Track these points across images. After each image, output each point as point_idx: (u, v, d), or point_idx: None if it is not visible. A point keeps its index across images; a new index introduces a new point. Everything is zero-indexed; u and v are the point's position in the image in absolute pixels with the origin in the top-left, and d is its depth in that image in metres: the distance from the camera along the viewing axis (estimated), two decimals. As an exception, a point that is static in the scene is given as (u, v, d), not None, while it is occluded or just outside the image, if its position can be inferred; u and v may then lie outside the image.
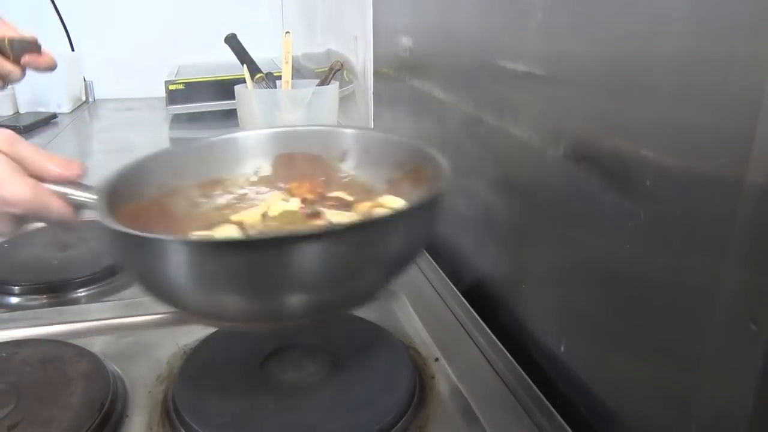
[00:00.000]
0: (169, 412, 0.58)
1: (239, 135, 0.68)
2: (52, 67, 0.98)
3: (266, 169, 0.67)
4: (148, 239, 0.46)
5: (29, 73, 1.87)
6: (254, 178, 0.67)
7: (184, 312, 0.55)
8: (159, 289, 0.50)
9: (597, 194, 0.52)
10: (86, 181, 0.56)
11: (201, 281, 0.47)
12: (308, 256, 0.44)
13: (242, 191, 0.66)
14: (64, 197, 0.55)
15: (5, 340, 0.71)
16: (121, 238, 0.47)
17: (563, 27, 0.57)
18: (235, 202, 0.65)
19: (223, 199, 0.65)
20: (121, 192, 0.56)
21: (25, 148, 0.55)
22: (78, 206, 0.56)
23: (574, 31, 0.55)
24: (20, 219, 0.56)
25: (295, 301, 0.47)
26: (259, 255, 0.44)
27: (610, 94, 0.50)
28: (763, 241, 0.35)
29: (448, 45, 0.85)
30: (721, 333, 0.39)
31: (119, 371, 0.65)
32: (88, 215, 0.55)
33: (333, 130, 0.69)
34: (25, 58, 0.94)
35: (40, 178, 0.55)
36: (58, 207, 0.55)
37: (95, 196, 0.54)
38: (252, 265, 0.45)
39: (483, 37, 0.74)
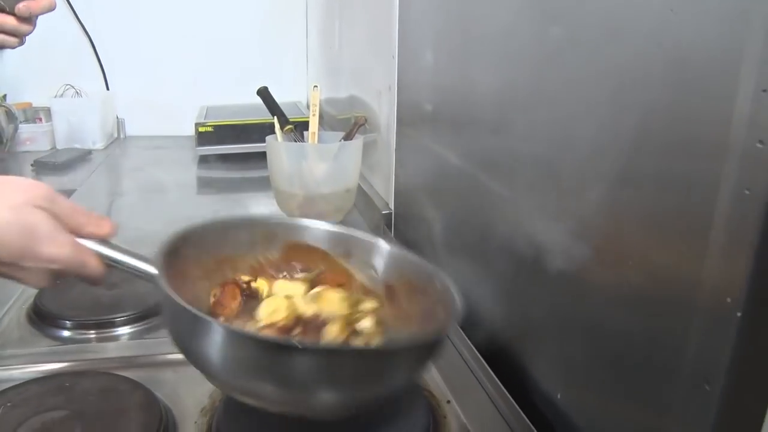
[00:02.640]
0: (216, 436, 0.67)
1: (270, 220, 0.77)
2: (51, 8, 0.95)
3: (273, 253, 0.73)
4: (199, 318, 0.53)
5: (67, 109, 1.97)
6: (263, 259, 0.73)
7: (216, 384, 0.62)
8: (199, 363, 0.56)
9: (589, 268, 0.61)
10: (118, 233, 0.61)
11: (233, 368, 0.54)
12: (335, 368, 0.52)
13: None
14: (100, 256, 0.59)
15: (63, 370, 0.79)
16: (178, 311, 0.54)
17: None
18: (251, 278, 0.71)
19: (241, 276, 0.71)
20: (165, 264, 0.60)
21: (63, 203, 0.57)
22: (111, 266, 0.60)
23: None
24: (58, 274, 0.58)
25: (316, 401, 0.54)
26: (293, 359, 0.51)
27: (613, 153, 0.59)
28: (712, 329, 0.44)
29: (465, 112, 0.93)
30: (684, 390, 0.47)
31: (168, 403, 0.73)
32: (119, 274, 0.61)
33: (367, 240, 0.73)
34: (20, 6, 0.91)
35: (75, 233, 0.57)
36: (95, 265, 0.58)
37: (139, 263, 0.59)
38: (282, 365, 0.51)
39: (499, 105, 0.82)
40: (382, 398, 0.59)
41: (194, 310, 0.52)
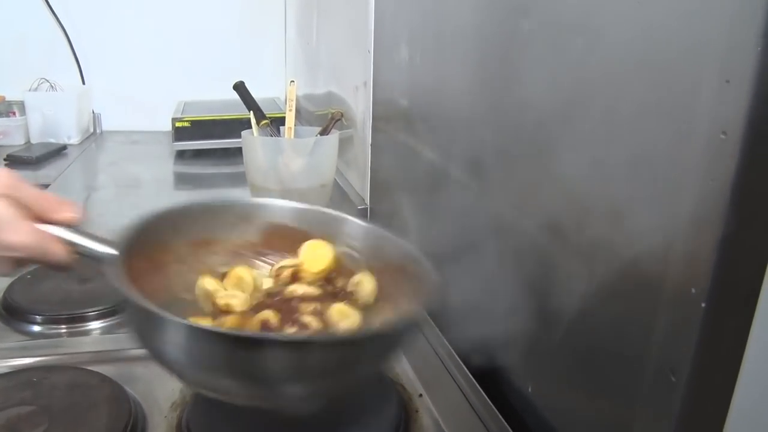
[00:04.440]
0: (185, 433, 0.66)
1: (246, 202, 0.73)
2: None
3: (253, 236, 0.70)
4: (153, 314, 0.48)
5: (42, 104, 1.95)
6: (239, 242, 0.69)
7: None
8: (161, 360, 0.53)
9: (559, 261, 0.61)
10: (89, 222, 0.57)
11: (191, 363, 0.51)
12: (288, 360, 0.49)
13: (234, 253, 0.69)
14: (65, 243, 0.56)
15: (32, 365, 0.78)
16: (133, 307, 0.51)
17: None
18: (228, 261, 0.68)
19: (216, 259, 0.67)
20: (126, 248, 0.57)
21: (27, 190, 0.55)
22: (78, 253, 0.57)
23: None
24: (20, 262, 0.56)
25: (284, 394, 0.52)
26: (247, 351, 0.48)
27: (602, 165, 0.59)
28: (678, 320, 0.44)
29: (439, 107, 0.93)
30: (650, 381, 0.47)
31: (138, 398, 0.72)
32: (88, 262, 0.56)
33: (339, 217, 0.70)
34: None
35: (42, 220, 0.55)
36: (58, 253, 0.56)
37: (99, 247, 0.56)
38: (246, 358, 0.48)
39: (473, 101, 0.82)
40: (353, 387, 0.58)
41: (145, 303, 0.49)
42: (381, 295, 0.64)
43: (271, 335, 0.56)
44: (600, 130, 0.53)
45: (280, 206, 0.70)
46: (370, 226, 0.68)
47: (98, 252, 0.56)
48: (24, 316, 0.91)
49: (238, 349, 0.48)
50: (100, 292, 0.95)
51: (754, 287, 0.39)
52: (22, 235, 0.54)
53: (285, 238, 0.69)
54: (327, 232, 0.68)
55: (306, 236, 0.68)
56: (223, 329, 0.55)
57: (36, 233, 0.55)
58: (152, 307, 0.48)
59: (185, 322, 0.50)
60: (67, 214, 0.57)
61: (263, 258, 0.70)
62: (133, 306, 0.50)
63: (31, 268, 0.95)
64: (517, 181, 0.70)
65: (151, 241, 0.62)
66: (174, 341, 0.50)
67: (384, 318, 0.62)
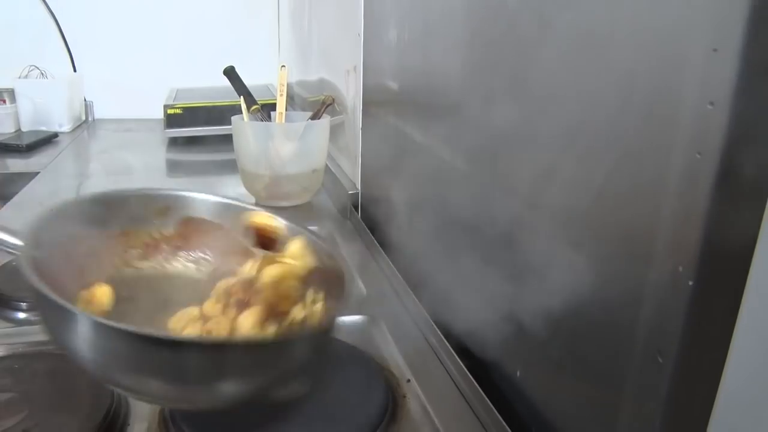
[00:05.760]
0: (167, 421, 0.65)
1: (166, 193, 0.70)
2: None
3: (169, 229, 0.68)
4: (61, 307, 0.47)
5: (32, 91, 1.94)
6: (157, 235, 0.68)
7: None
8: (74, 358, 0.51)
9: (547, 244, 0.60)
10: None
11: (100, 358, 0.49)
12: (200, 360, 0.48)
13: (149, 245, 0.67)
14: None
15: (16, 353, 0.77)
16: (42, 299, 0.48)
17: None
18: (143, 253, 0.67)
19: (133, 252, 0.66)
20: (38, 240, 0.54)
21: None
22: None
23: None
24: None
25: (205, 396, 0.51)
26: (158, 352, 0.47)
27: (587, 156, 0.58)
28: (664, 299, 0.43)
29: (428, 91, 0.91)
30: (637, 363, 0.46)
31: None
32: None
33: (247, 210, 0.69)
34: None
35: None
36: None
37: (6, 236, 0.55)
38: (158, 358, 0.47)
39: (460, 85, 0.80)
40: (279, 385, 0.55)
41: (54, 297, 0.47)
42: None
43: (179, 336, 0.54)
44: (585, 103, 0.52)
45: (200, 199, 0.69)
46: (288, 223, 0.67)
47: (5, 241, 0.55)
48: (8, 303, 0.89)
49: (144, 347, 0.46)
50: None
51: (744, 264, 0.38)
52: None
53: (202, 233, 0.68)
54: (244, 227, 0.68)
55: (221, 230, 0.68)
56: (122, 325, 0.48)
57: None
58: (56, 298, 0.46)
59: (87, 314, 0.48)
60: None
61: (180, 252, 0.69)
62: (38, 296, 0.48)
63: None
64: (507, 165, 0.68)
65: (63, 232, 0.59)
66: (78, 335, 0.48)
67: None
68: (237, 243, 0.68)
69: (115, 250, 0.65)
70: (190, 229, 0.68)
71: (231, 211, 0.69)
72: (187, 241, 0.68)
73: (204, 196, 0.69)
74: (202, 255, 0.69)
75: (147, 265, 0.66)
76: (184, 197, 0.69)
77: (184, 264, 0.68)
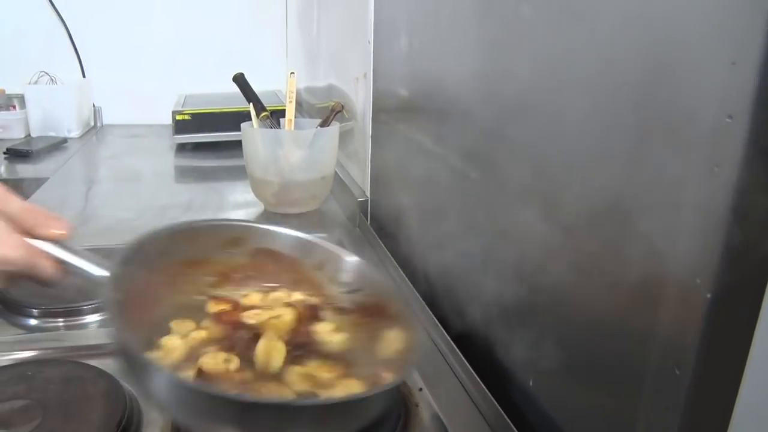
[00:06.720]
0: (179, 430, 0.65)
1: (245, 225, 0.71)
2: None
3: (244, 258, 0.68)
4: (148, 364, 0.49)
5: (42, 97, 1.95)
6: (231, 263, 0.68)
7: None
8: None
9: (562, 255, 0.60)
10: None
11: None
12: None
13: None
14: (54, 259, 0.55)
15: (28, 359, 0.77)
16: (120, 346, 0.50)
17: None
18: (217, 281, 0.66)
19: (207, 280, 0.66)
20: (117, 270, 0.56)
21: (15, 203, 0.55)
22: (68, 270, 0.56)
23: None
24: (10, 276, 0.55)
25: None
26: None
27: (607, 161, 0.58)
28: (682, 311, 0.43)
29: (439, 98, 0.91)
30: (654, 374, 0.46)
31: (133, 391, 0.71)
32: (75, 279, 0.56)
33: (332, 250, 0.69)
34: None
35: (30, 234, 0.54)
36: (48, 268, 0.55)
37: (90, 267, 0.55)
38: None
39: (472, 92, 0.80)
40: None
41: (133, 346, 0.49)
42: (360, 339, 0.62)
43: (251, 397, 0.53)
44: (602, 114, 0.52)
45: (274, 232, 0.70)
46: (361, 261, 0.67)
47: (89, 273, 0.56)
48: (20, 309, 0.90)
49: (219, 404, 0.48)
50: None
51: (762, 277, 0.38)
52: (10, 248, 0.53)
53: (276, 264, 0.69)
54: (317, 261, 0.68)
55: (295, 264, 0.68)
56: (197, 384, 0.51)
57: (25, 247, 0.54)
58: (140, 354, 0.49)
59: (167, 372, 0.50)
60: (57, 230, 0.56)
61: (251, 281, 0.68)
62: (121, 346, 0.50)
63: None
64: (518, 170, 0.68)
65: (142, 262, 0.60)
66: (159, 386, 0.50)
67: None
68: (307, 277, 0.68)
69: (188, 277, 0.65)
70: (263, 259, 0.69)
71: (306, 246, 0.69)
72: (259, 270, 0.68)
73: (280, 229, 0.70)
74: (272, 285, 0.68)
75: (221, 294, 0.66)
76: (258, 229, 0.70)
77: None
